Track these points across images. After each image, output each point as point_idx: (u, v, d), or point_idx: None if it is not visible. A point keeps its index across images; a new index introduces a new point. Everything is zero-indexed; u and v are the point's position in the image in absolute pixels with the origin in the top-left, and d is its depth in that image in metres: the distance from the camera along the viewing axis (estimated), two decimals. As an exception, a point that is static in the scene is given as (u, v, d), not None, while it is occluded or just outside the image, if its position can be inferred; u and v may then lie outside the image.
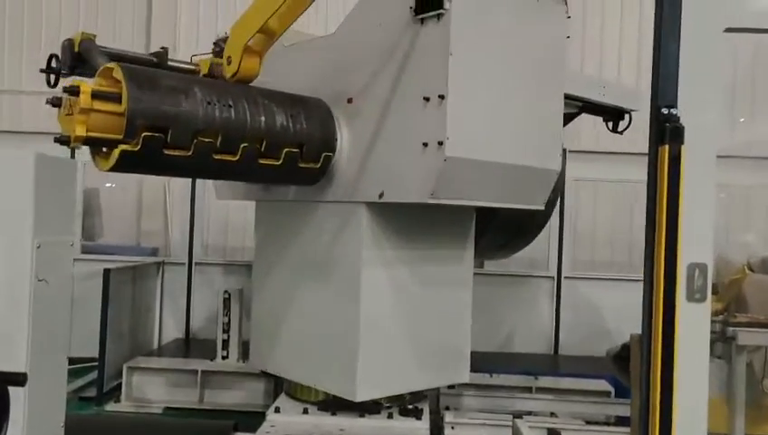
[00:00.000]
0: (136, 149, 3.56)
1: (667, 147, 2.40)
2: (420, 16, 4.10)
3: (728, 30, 2.46)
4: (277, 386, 5.83)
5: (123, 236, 9.23)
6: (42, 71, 4.57)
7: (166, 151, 3.71)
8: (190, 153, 3.79)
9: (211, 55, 4.96)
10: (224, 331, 6.84)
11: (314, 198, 4.81)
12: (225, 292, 6.90)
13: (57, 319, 2.94)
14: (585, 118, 9.25)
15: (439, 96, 4.00)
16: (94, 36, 4.52)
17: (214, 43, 5.08)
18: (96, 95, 3.46)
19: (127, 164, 3.63)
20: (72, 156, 6.37)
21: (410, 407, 5.24)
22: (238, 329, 6.81)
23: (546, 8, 4.55)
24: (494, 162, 4.33)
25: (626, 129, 6.27)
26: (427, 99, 4.07)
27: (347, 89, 4.60)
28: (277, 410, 5.16)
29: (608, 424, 5.88)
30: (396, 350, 4.81)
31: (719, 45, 2.45)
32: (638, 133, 9.43)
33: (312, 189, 4.83)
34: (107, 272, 6.63)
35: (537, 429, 5.11)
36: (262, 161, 4.20)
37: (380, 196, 4.35)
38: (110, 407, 6.48)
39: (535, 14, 4.52)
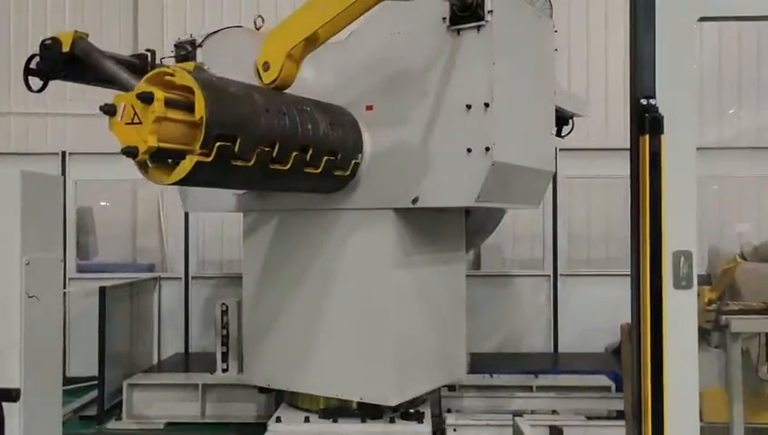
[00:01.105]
0: (209, 159, 3.40)
1: (647, 137, 2.43)
2: (457, 27, 4.25)
3: (702, 19, 2.49)
4: (278, 396, 5.81)
5: (119, 254, 9.22)
6: (25, 72, 4.16)
7: (233, 162, 3.60)
8: (251, 163, 3.69)
9: (174, 60, 4.85)
10: (222, 343, 6.83)
11: (332, 205, 4.82)
12: (223, 304, 6.89)
13: (49, 334, 2.95)
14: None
15: (485, 104, 4.18)
16: (87, 35, 4.23)
17: (176, 46, 4.92)
18: (168, 103, 3.24)
19: (196, 176, 3.45)
20: (63, 173, 6.37)
21: (412, 411, 5.22)
22: (237, 341, 6.80)
23: (541, 22, 4.71)
24: (522, 166, 4.53)
25: (569, 133, 6.40)
26: (469, 106, 4.23)
27: (364, 96, 4.66)
28: (279, 419, 5.14)
29: (609, 419, 5.88)
30: (416, 351, 4.92)
31: (694, 34, 2.48)
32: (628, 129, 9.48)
33: (327, 197, 4.82)
34: (102, 290, 6.63)
35: (538, 427, 5.12)
36: (306, 170, 4.19)
37: (414, 201, 4.46)
38: (112, 425, 6.45)
39: (535, 27, 4.68)
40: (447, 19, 4.29)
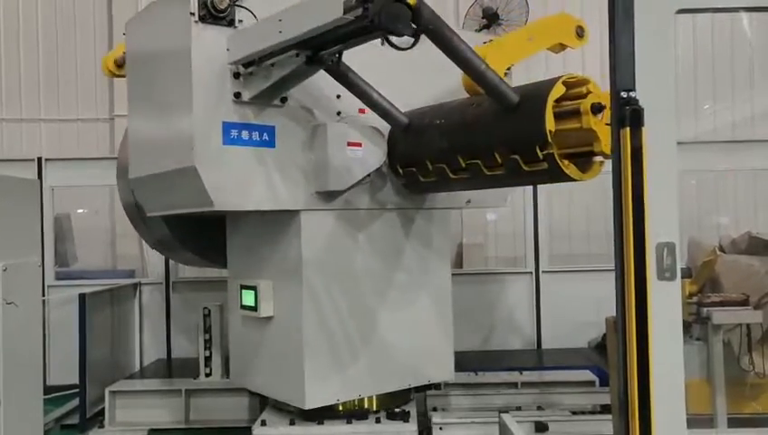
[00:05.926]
0: None
1: (627, 130, 2.43)
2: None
3: (681, 11, 2.50)
4: (263, 399, 5.76)
5: (98, 261, 9.12)
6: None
7: None
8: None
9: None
10: (205, 347, 6.77)
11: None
12: (205, 308, 6.83)
13: (29, 340, 2.88)
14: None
15: None
16: None
17: None
18: None
19: None
20: (39, 179, 6.28)
21: (397, 410, 5.21)
22: (220, 345, 6.75)
23: None
24: None
25: None
26: None
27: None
28: (263, 423, 5.10)
29: (593, 413, 5.91)
30: None
31: (672, 26, 2.49)
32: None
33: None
34: (82, 296, 6.55)
35: (524, 423, 5.13)
36: None
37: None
38: (94, 433, 6.37)
39: None
40: None
